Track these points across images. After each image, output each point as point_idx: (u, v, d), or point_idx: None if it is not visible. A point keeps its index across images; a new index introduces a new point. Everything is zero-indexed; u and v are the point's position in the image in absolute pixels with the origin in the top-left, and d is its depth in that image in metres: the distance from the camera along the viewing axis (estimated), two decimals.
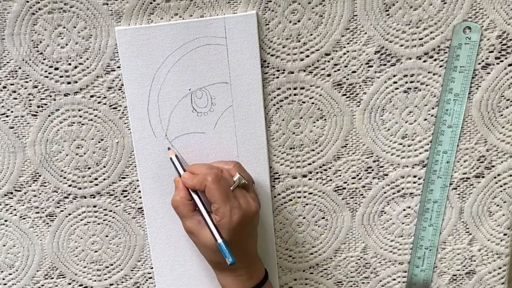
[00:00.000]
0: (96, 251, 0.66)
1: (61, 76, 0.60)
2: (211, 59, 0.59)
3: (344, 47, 0.60)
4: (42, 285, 0.67)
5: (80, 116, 0.61)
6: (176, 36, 0.58)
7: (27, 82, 0.60)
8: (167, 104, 0.60)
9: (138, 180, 0.63)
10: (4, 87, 0.60)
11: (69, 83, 0.60)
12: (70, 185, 0.63)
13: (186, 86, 0.60)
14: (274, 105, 0.62)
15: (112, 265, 0.67)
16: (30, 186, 0.63)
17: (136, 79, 0.59)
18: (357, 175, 0.65)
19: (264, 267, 0.61)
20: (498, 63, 0.61)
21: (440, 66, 0.61)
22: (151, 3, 0.58)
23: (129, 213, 0.65)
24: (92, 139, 0.62)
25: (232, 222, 0.55)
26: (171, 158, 0.60)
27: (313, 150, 0.63)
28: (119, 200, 0.64)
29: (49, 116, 0.61)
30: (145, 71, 0.59)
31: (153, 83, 0.60)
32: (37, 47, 0.58)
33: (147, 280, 0.67)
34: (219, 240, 0.55)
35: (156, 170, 0.62)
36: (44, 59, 0.59)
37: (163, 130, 0.61)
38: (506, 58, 0.61)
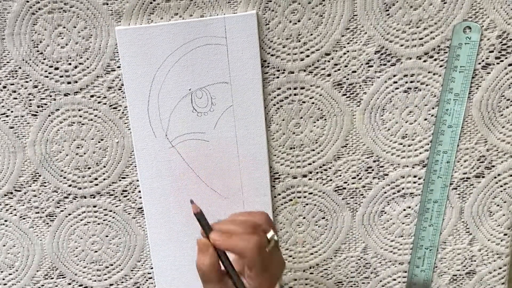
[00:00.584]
0: (96, 251, 0.66)
1: (61, 76, 0.60)
2: (211, 59, 0.59)
3: (344, 47, 0.60)
4: (42, 285, 0.67)
5: (80, 116, 0.61)
6: (176, 36, 0.58)
7: (27, 82, 0.60)
8: (167, 104, 0.60)
9: (138, 180, 0.63)
10: (4, 87, 0.60)
11: (69, 83, 0.60)
12: (70, 185, 0.63)
13: (186, 86, 0.60)
14: (274, 105, 0.62)
15: (112, 265, 0.66)
16: (30, 186, 0.63)
17: (136, 79, 0.59)
18: (357, 175, 0.65)
19: None
20: (498, 63, 0.61)
21: (440, 66, 0.61)
22: (151, 2, 0.58)
23: (129, 213, 0.65)
24: (92, 139, 0.62)
25: (267, 285, 0.51)
26: (195, 214, 0.52)
27: (313, 150, 0.63)
28: (119, 200, 0.64)
29: (49, 116, 0.61)
30: (145, 71, 0.59)
31: (153, 83, 0.60)
32: (37, 47, 0.58)
33: (147, 280, 0.67)
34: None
35: (156, 170, 0.62)
36: (44, 59, 0.59)
37: (163, 130, 0.61)
38: (506, 58, 0.61)
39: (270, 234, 0.51)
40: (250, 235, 0.49)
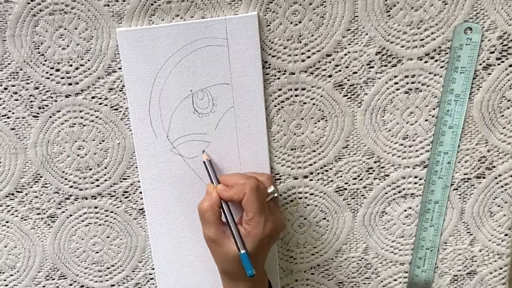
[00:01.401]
0: (97, 252, 0.66)
1: (62, 78, 0.60)
2: (213, 60, 0.59)
3: (345, 48, 0.60)
4: (44, 286, 0.67)
5: (81, 117, 0.61)
6: (178, 38, 0.58)
7: (28, 83, 0.60)
8: (168, 105, 0.60)
9: (139, 181, 0.63)
10: (6, 89, 0.60)
11: (70, 84, 0.60)
12: (71, 186, 0.63)
13: (187, 87, 0.60)
14: (275, 106, 0.62)
15: (113, 266, 0.66)
16: (31, 187, 0.63)
17: (137, 80, 0.59)
18: (358, 176, 0.64)
19: (267, 279, 0.61)
20: (499, 64, 0.61)
21: (441, 67, 0.61)
22: (152, 4, 0.58)
23: (130, 214, 0.65)
24: (93, 140, 0.62)
25: (264, 233, 0.55)
26: (204, 162, 0.60)
27: (314, 151, 0.63)
28: (120, 201, 0.64)
29: (50, 117, 0.61)
30: (146, 72, 0.59)
31: (155, 84, 0.59)
32: (38, 48, 0.58)
33: (148, 281, 0.67)
34: (243, 251, 0.55)
35: (157, 171, 0.62)
36: (45, 61, 0.59)
37: (164, 131, 0.61)
38: (507, 59, 0.61)
39: (270, 189, 0.57)
40: (248, 179, 0.56)
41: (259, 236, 0.55)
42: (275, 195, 0.57)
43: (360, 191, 0.65)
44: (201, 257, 0.65)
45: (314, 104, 0.62)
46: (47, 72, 0.59)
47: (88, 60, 0.59)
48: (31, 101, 0.60)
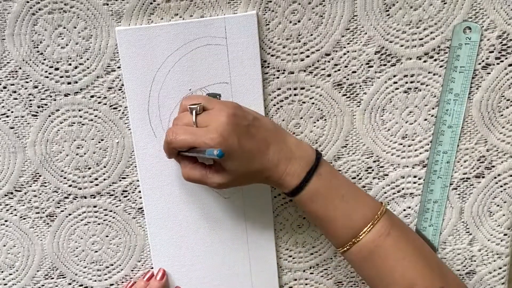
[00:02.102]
0: (96, 251, 0.66)
1: (61, 77, 0.59)
2: (212, 59, 0.59)
3: (344, 47, 0.60)
4: (43, 285, 0.67)
5: (81, 117, 0.61)
6: (177, 36, 0.58)
7: (27, 82, 0.59)
8: (167, 104, 0.60)
9: (138, 181, 0.63)
10: (5, 87, 0.60)
11: (69, 83, 0.60)
12: (70, 185, 0.63)
13: (186, 86, 0.60)
14: (275, 105, 0.61)
15: (112, 265, 0.66)
16: (31, 186, 0.63)
17: (136, 79, 0.59)
18: (357, 175, 0.64)
19: (309, 147, 0.58)
20: (498, 63, 0.61)
21: (440, 66, 0.61)
22: (151, 3, 0.57)
23: (129, 213, 0.64)
24: (93, 139, 0.62)
25: (214, 140, 0.51)
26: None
27: None
28: (119, 200, 0.64)
29: (49, 116, 0.61)
30: (145, 71, 0.59)
31: (154, 83, 0.59)
32: (37, 47, 0.58)
33: None
34: (205, 153, 0.51)
35: (156, 170, 0.62)
36: (44, 59, 0.59)
37: (163, 130, 0.61)
38: (506, 58, 0.60)
39: (189, 111, 0.54)
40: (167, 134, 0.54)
41: (217, 144, 0.51)
42: (197, 109, 0.54)
43: None
44: (201, 256, 0.65)
45: (313, 103, 0.61)
46: (46, 71, 0.59)
47: (87, 59, 0.59)
48: (30, 100, 0.60)
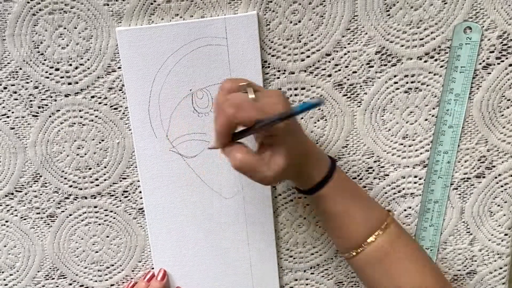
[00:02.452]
0: (97, 252, 0.66)
1: (62, 77, 0.59)
2: (212, 60, 0.59)
3: (345, 47, 0.60)
4: (43, 286, 0.66)
5: (81, 117, 0.61)
6: (177, 37, 0.58)
7: (28, 82, 0.59)
8: (168, 105, 0.60)
9: (138, 181, 0.63)
10: (5, 88, 0.59)
11: (69, 83, 0.60)
12: (71, 186, 0.63)
13: (187, 86, 0.59)
14: None
15: (113, 265, 0.66)
16: (31, 186, 0.63)
17: (137, 79, 0.59)
18: (358, 176, 0.64)
19: (327, 157, 0.57)
20: (498, 63, 0.61)
21: (441, 66, 0.61)
22: (151, 3, 0.57)
23: (130, 214, 0.64)
24: (93, 139, 0.61)
25: (283, 104, 0.49)
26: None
27: None
28: (120, 200, 0.64)
29: (50, 116, 0.60)
30: (146, 72, 0.59)
31: (154, 84, 0.59)
32: (38, 47, 0.58)
33: None
34: (297, 108, 0.46)
35: (157, 171, 0.62)
36: (45, 60, 0.59)
37: (164, 131, 0.60)
38: (506, 58, 0.60)
39: (241, 84, 0.51)
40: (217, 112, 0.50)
41: (286, 109, 0.49)
42: (247, 82, 0.51)
43: None
44: (201, 256, 0.65)
45: None
46: (46, 72, 0.59)
47: (88, 60, 0.59)
48: (30, 101, 0.60)
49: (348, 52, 0.60)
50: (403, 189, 0.65)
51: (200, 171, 0.62)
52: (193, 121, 0.60)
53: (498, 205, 0.65)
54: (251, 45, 0.58)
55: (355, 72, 0.61)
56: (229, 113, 0.49)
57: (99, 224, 0.65)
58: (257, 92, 0.51)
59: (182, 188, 0.62)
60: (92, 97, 0.60)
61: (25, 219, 0.64)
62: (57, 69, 0.59)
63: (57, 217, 0.64)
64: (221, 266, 0.65)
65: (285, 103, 0.50)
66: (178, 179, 0.62)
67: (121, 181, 0.63)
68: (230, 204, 0.63)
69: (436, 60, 0.60)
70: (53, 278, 0.66)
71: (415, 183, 0.64)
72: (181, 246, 0.64)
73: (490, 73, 0.61)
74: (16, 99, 0.60)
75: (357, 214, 0.56)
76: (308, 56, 0.60)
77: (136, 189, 0.63)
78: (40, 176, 0.62)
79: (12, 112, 0.60)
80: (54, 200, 0.63)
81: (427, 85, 0.61)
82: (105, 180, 0.63)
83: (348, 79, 0.61)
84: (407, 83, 0.61)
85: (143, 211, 0.64)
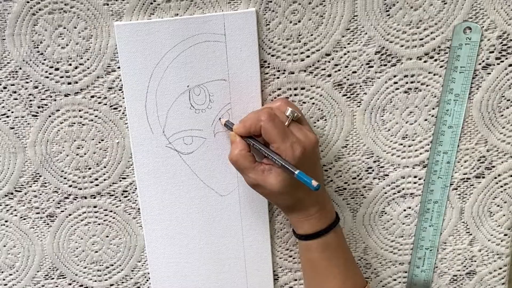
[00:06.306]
0: (96, 252, 0.64)
1: (61, 77, 0.58)
2: (210, 56, 0.57)
3: (345, 47, 0.58)
4: (43, 286, 0.65)
5: (81, 117, 0.59)
6: (175, 32, 0.56)
7: (27, 82, 0.58)
8: (165, 101, 0.58)
9: None
10: (5, 88, 0.58)
11: (69, 83, 0.58)
12: (70, 186, 0.61)
13: (184, 82, 0.58)
14: None
15: (112, 265, 0.65)
16: (31, 186, 0.61)
17: (134, 74, 0.57)
18: (358, 176, 0.62)
19: (334, 209, 0.58)
20: (498, 64, 0.59)
21: (441, 67, 0.59)
22: (151, 3, 0.56)
23: (129, 214, 0.63)
24: (93, 139, 0.60)
25: (295, 157, 0.52)
26: (225, 124, 0.58)
27: None
28: (120, 200, 0.62)
29: (49, 116, 0.59)
30: (143, 67, 0.57)
31: (151, 79, 0.58)
32: (37, 47, 0.57)
33: (147, 280, 0.65)
34: (296, 171, 0.50)
35: (153, 167, 0.60)
36: (44, 60, 0.57)
37: (160, 127, 0.59)
38: (506, 59, 0.59)
39: (288, 112, 0.54)
40: (260, 111, 0.54)
41: (292, 162, 0.52)
42: (295, 115, 0.54)
43: (360, 191, 0.63)
44: (197, 254, 0.63)
45: (313, 103, 0.59)
46: (46, 71, 0.57)
47: (88, 59, 0.57)
48: (30, 100, 0.58)
49: (348, 52, 0.58)
50: (403, 189, 0.63)
51: (196, 168, 0.60)
52: (190, 117, 0.59)
53: (498, 205, 0.64)
54: (249, 42, 0.57)
55: (354, 72, 0.59)
56: (261, 124, 0.53)
57: (99, 224, 0.63)
58: (296, 124, 0.54)
59: (178, 185, 0.61)
60: (92, 97, 0.58)
61: (24, 219, 0.62)
62: (56, 69, 0.57)
63: (56, 217, 0.62)
64: (216, 263, 0.64)
65: (298, 155, 0.52)
66: (174, 176, 0.60)
67: (120, 181, 0.61)
68: (226, 201, 0.62)
69: (435, 60, 0.59)
70: (52, 278, 0.65)
71: (414, 183, 0.63)
72: (175, 242, 0.63)
73: (489, 73, 0.59)
74: (16, 99, 0.58)
75: (338, 275, 0.57)
76: (308, 56, 0.58)
77: (135, 189, 0.62)
78: (40, 176, 0.61)
79: (12, 112, 0.59)
80: (53, 200, 0.62)
81: (427, 85, 0.59)
82: (104, 180, 0.61)
83: (347, 79, 0.59)
84: (406, 83, 0.59)
85: None
